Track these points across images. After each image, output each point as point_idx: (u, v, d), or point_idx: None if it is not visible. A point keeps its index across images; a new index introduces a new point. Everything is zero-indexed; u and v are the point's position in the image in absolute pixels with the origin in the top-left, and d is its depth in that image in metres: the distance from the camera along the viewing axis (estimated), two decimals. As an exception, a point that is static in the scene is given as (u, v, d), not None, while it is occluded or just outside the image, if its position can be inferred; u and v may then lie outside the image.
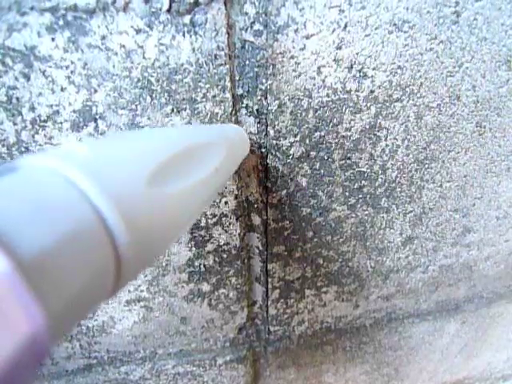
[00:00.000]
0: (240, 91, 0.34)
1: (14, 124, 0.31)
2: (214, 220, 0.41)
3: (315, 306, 0.55)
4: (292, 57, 0.33)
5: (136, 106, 0.33)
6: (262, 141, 0.37)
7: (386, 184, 0.44)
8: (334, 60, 0.34)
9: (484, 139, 0.43)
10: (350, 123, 0.38)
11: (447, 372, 0.79)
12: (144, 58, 0.31)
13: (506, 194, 0.50)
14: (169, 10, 0.29)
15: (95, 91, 0.31)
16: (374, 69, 0.35)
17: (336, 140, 0.39)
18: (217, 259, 0.45)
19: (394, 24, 0.33)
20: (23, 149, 0.33)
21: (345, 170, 0.41)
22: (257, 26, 0.31)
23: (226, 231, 0.43)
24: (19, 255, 0.11)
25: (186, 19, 0.30)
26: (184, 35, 0.30)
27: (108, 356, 0.52)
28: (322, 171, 0.40)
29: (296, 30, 0.32)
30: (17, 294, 0.10)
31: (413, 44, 0.35)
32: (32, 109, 0.31)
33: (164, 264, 0.43)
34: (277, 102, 0.35)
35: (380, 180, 0.43)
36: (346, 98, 0.36)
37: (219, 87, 0.33)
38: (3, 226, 0.11)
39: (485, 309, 0.67)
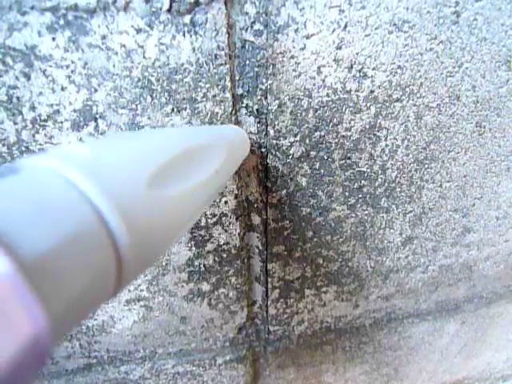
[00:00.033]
0: (240, 91, 0.34)
1: (15, 123, 0.31)
2: (214, 220, 0.41)
3: (315, 305, 0.55)
4: (292, 57, 0.33)
5: (136, 105, 0.33)
6: (262, 140, 0.37)
7: (386, 184, 0.44)
8: (334, 60, 0.34)
9: (484, 139, 0.43)
10: (349, 123, 0.38)
11: (447, 372, 0.79)
12: (144, 57, 0.31)
13: (506, 194, 0.50)
14: (169, 10, 0.29)
15: (95, 91, 0.31)
16: (373, 69, 0.35)
17: (336, 140, 0.39)
18: (217, 259, 0.45)
19: (394, 24, 0.33)
20: (23, 148, 0.33)
21: (345, 170, 0.41)
22: (257, 26, 0.31)
23: (226, 231, 0.43)
24: (21, 256, 0.11)
25: (187, 19, 0.30)
26: (184, 35, 0.30)
27: (108, 355, 0.52)
28: (322, 171, 0.41)
29: (296, 30, 0.32)
30: (19, 295, 0.10)
31: (413, 44, 0.35)
32: (32, 108, 0.31)
33: (164, 263, 0.43)
34: (277, 101, 0.35)
35: (380, 180, 0.43)
36: (345, 97, 0.36)
37: (219, 87, 0.33)
38: (5, 228, 0.11)
39: (484, 309, 0.67)
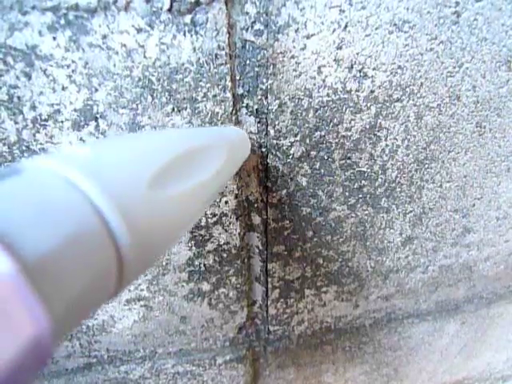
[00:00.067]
0: (240, 91, 0.34)
1: (15, 123, 0.31)
2: (214, 219, 0.41)
3: (315, 305, 0.55)
4: (292, 56, 0.33)
5: (137, 105, 0.33)
6: (263, 140, 0.37)
7: (386, 184, 0.44)
8: (335, 60, 0.34)
9: (484, 139, 0.43)
10: (350, 123, 0.38)
11: (447, 372, 0.79)
12: (145, 57, 0.31)
13: (506, 195, 0.50)
14: (170, 10, 0.29)
15: (96, 90, 0.31)
16: (374, 69, 0.35)
17: (336, 140, 0.39)
18: (217, 259, 0.45)
19: (395, 24, 0.33)
20: (24, 148, 0.33)
21: (345, 170, 0.41)
22: (257, 26, 0.31)
23: (226, 231, 0.43)
24: (23, 257, 0.11)
25: (187, 19, 0.30)
26: (185, 35, 0.30)
27: (108, 355, 0.52)
28: (322, 171, 0.41)
29: (296, 30, 0.32)
30: (21, 296, 0.10)
31: (413, 44, 0.35)
32: (33, 108, 0.31)
33: (164, 263, 0.43)
34: (277, 101, 0.35)
35: (380, 180, 0.43)
36: (346, 97, 0.36)
37: (220, 87, 0.33)
38: (7, 229, 0.11)
39: (484, 309, 0.67)
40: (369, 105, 0.37)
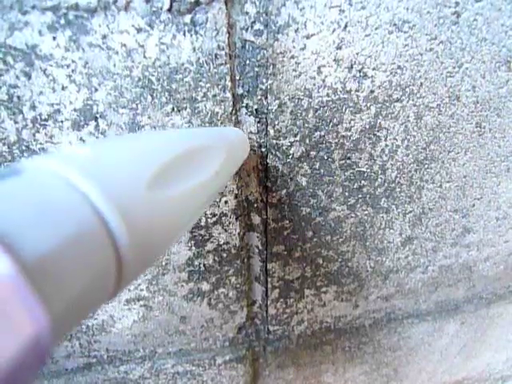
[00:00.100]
0: (240, 91, 0.34)
1: (15, 122, 0.31)
2: (214, 219, 0.41)
3: (315, 305, 0.55)
4: (292, 56, 0.33)
5: (137, 105, 0.33)
6: (262, 140, 0.37)
7: (386, 184, 0.44)
8: (334, 60, 0.34)
9: (484, 140, 0.43)
10: (349, 123, 0.38)
11: (446, 373, 0.79)
12: (145, 57, 0.31)
13: (506, 195, 0.50)
14: (170, 10, 0.29)
15: (96, 90, 0.31)
16: (374, 69, 0.35)
17: (336, 140, 0.39)
18: (216, 258, 0.45)
19: (394, 24, 0.33)
20: (24, 147, 0.33)
21: (344, 170, 0.41)
22: (257, 26, 0.31)
23: (226, 230, 0.43)
24: (23, 257, 0.11)
25: (187, 18, 0.30)
26: (185, 34, 0.30)
27: (107, 355, 0.52)
28: (322, 171, 0.41)
29: (296, 30, 0.32)
30: (21, 296, 0.10)
31: (413, 44, 0.35)
32: (33, 107, 0.31)
33: (164, 263, 0.43)
34: (277, 101, 0.35)
35: (380, 180, 0.43)
36: (346, 97, 0.36)
37: (220, 87, 0.33)
38: (7, 229, 0.11)
39: (484, 309, 0.67)
40: (368, 105, 0.37)
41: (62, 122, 0.32)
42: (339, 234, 0.47)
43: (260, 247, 0.46)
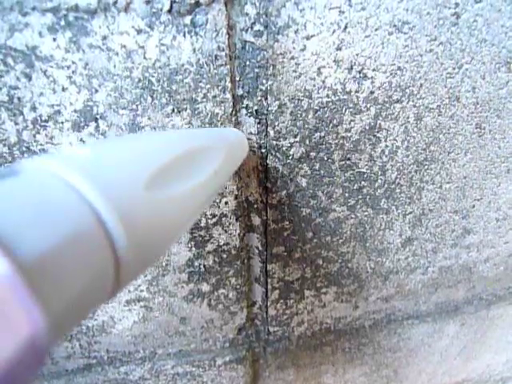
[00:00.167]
0: (240, 92, 0.34)
1: (16, 124, 0.31)
2: (214, 220, 0.41)
3: (315, 306, 0.55)
4: (292, 57, 0.33)
5: (137, 106, 0.33)
6: (262, 141, 0.37)
7: (386, 185, 0.44)
8: (334, 61, 0.34)
9: (484, 141, 0.43)
10: (349, 124, 0.38)
11: (446, 374, 0.79)
12: (145, 58, 0.31)
13: (506, 196, 0.50)
14: (170, 11, 0.29)
15: (96, 91, 0.31)
16: (373, 70, 0.35)
17: (336, 141, 0.39)
18: (216, 259, 0.45)
19: (394, 25, 0.33)
20: (24, 148, 0.33)
21: (344, 171, 0.41)
22: (257, 27, 0.31)
23: (226, 231, 0.43)
24: (20, 258, 0.11)
25: (187, 20, 0.30)
26: (185, 36, 0.30)
27: (108, 356, 0.52)
28: (322, 172, 0.41)
29: (296, 31, 0.32)
30: (18, 297, 0.10)
31: (413, 45, 0.35)
32: (33, 109, 0.31)
33: (164, 264, 0.43)
34: (277, 102, 0.35)
35: (380, 181, 0.43)
36: (345, 98, 0.36)
37: (220, 88, 0.33)
38: (4, 229, 0.11)
39: (484, 311, 0.67)
40: (368, 106, 0.37)
41: (62, 123, 0.32)
42: (339, 235, 0.47)
43: (260, 248, 0.46)
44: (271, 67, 0.33)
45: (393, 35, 0.34)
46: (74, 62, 0.30)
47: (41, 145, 0.33)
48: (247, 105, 0.35)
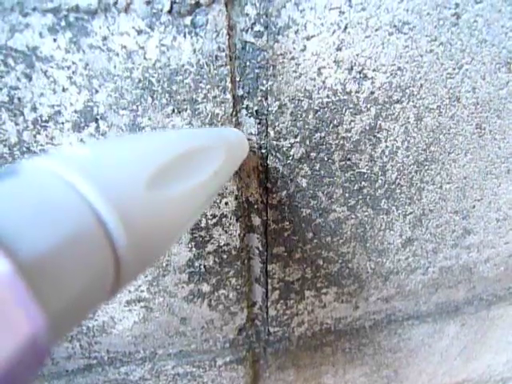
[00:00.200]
0: (240, 92, 0.34)
1: (16, 124, 0.32)
2: (214, 221, 0.41)
3: (315, 307, 0.55)
4: (292, 58, 0.33)
5: (137, 106, 0.33)
6: (263, 142, 0.37)
7: (386, 185, 0.44)
8: (335, 61, 0.34)
9: (484, 141, 0.43)
10: (350, 124, 0.38)
11: (446, 374, 0.79)
12: (145, 58, 0.31)
13: (506, 196, 0.50)
14: (170, 11, 0.29)
15: (96, 92, 0.31)
16: (374, 70, 0.35)
17: (336, 141, 0.39)
18: (217, 260, 0.45)
19: (394, 26, 0.33)
20: (25, 149, 0.33)
21: (345, 171, 0.41)
22: (257, 27, 0.31)
23: (226, 232, 0.43)
24: (20, 257, 0.11)
25: (187, 20, 0.30)
26: (185, 36, 0.30)
27: (108, 356, 0.52)
28: (322, 172, 0.41)
29: (296, 32, 0.32)
30: (18, 296, 0.10)
31: (413, 46, 0.35)
32: (34, 109, 0.31)
33: (164, 264, 0.43)
34: (277, 102, 0.35)
35: (380, 181, 0.43)
36: (346, 99, 0.36)
37: (220, 88, 0.33)
38: (4, 229, 0.11)
39: (484, 311, 0.67)
40: (369, 106, 0.37)
41: (62, 123, 0.32)
42: (339, 236, 0.47)
43: (260, 248, 0.46)
44: (271, 68, 0.33)
45: (393, 36, 0.34)
46: (74, 63, 0.30)
47: (41, 145, 0.33)
48: (247, 105, 0.35)
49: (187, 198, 0.20)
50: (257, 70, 0.33)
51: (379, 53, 0.34)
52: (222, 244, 0.44)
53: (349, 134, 0.39)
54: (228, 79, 0.33)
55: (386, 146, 0.40)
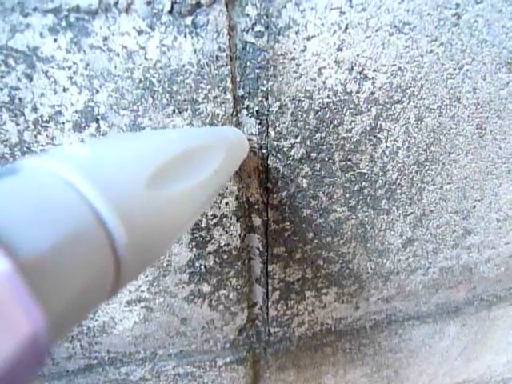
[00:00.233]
0: (241, 92, 0.34)
1: (17, 124, 0.32)
2: (215, 221, 0.41)
3: (315, 307, 0.55)
4: (293, 58, 0.33)
5: (138, 106, 0.33)
6: (263, 142, 0.37)
7: (387, 186, 0.44)
8: (335, 61, 0.34)
9: (484, 141, 0.43)
10: (350, 125, 0.38)
11: (447, 375, 0.79)
12: (146, 58, 0.31)
13: (507, 197, 0.50)
14: (170, 12, 0.29)
15: (97, 92, 0.31)
16: (374, 70, 0.35)
17: (336, 141, 0.39)
18: (217, 260, 0.45)
19: (395, 26, 0.33)
20: (25, 149, 0.33)
21: (345, 172, 0.41)
22: (258, 28, 0.31)
23: (227, 232, 0.43)
24: (20, 257, 0.11)
25: (188, 20, 0.30)
26: (186, 36, 0.30)
27: (108, 356, 0.52)
28: (323, 172, 0.41)
29: (297, 32, 0.32)
30: (18, 295, 0.10)
31: (413, 46, 0.35)
32: (34, 109, 0.31)
33: (165, 264, 0.43)
34: (278, 103, 0.35)
35: (380, 181, 0.43)
36: (346, 99, 0.36)
37: (220, 88, 0.33)
38: (4, 228, 0.11)
39: (485, 311, 0.67)
40: (369, 106, 0.37)
41: (63, 123, 0.32)
42: (340, 236, 0.47)
43: (261, 249, 0.46)
44: (272, 68, 0.33)
45: (393, 36, 0.34)
46: (74, 63, 0.30)
47: (42, 145, 0.33)
48: (248, 105, 0.35)
49: (187, 197, 0.20)
50: (257, 71, 0.33)
51: (380, 53, 0.34)
52: (222, 244, 0.44)
53: (349, 135, 0.39)
54: (228, 79, 0.33)
55: (387, 147, 0.40)
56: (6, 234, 0.11)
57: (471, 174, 0.46)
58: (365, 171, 0.42)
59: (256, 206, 0.42)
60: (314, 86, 0.35)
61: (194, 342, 0.54)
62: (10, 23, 0.27)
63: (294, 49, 0.33)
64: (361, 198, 0.44)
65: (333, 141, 0.39)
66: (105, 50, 0.30)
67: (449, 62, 0.36)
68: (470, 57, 0.36)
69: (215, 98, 0.34)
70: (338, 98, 0.36)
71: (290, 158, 0.39)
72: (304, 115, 0.36)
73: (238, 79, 0.34)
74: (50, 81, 0.30)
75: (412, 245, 0.51)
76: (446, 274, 0.57)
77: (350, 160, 0.40)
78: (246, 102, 0.35)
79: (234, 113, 0.35)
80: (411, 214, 0.47)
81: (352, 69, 0.35)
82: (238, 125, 0.36)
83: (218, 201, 0.40)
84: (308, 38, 0.32)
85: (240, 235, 0.43)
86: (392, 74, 0.36)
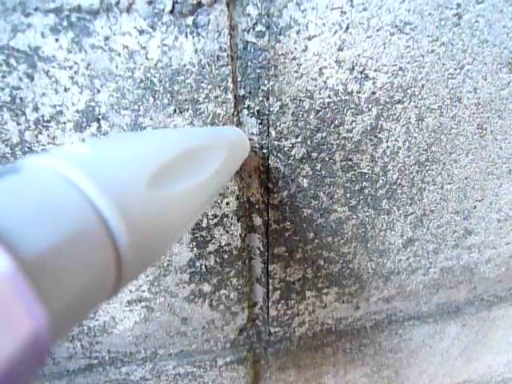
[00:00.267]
0: (242, 92, 0.34)
1: (18, 124, 0.32)
2: (216, 220, 0.41)
3: (316, 307, 0.55)
4: (294, 58, 0.33)
5: (139, 106, 0.33)
6: (264, 142, 0.37)
7: (387, 186, 0.44)
8: (336, 61, 0.34)
9: (485, 141, 0.43)
10: (351, 124, 0.38)
11: (447, 375, 0.79)
12: (147, 58, 0.31)
13: (507, 197, 0.50)
14: (172, 11, 0.29)
15: (98, 92, 0.31)
16: (375, 70, 0.35)
17: (337, 141, 0.39)
18: (218, 260, 0.45)
19: (396, 26, 0.33)
20: (26, 149, 0.33)
21: (346, 172, 0.41)
22: (259, 28, 0.31)
23: (228, 232, 0.43)
24: (21, 255, 0.11)
25: (189, 20, 0.30)
26: (187, 36, 0.30)
27: (109, 356, 0.52)
28: (324, 172, 0.41)
29: (298, 32, 0.32)
30: (19, 293, 0.10)
31: (414, 46, 0.35)
32: (35, 109, 0.31)
33: (165, 264, 0.43)
34: (278, 103, 0.35)
35: (381, 181, 0.43)
36: (347, 99, 0.36)
37: (221, 88, 0.33)
38: (6, 226, 0.11)
39: (485, 312, 0.67)
40: (370, 106, 0.37)
41: (64, 123, 0.32)
42: (340, 236, 0.47)
43: (261, 248, 0.46)
44: (273, 68, 0.33)
45: (394, 36, 0.34)
46: (76, 63, 0.30)
47: (43, 145, 0.33)
48: (249, 105, 0.35)
49: (188, 196, 0.20)
50: (258, 70, 0.33)
51: (380, 53, 0.34)
52: (223, 244, 0.44)
53: (350, 134, 0.39)
54: (229, 79, 0.33)
55: (388, 147, 0.40)
56: (8, 233, 0.11)
57: (472, 174, 0.46)
58: (365, 171, 0.42)
59: (257, 206, 0.42)
60: (315, 86, 0.35)
61: (195, 341, 0.54)
62: (12, 23, 0.27)
63: (295, 48, 0.33)
64: (361, 197, 0.44)
65: (333, 141, 0.39)
66: (106, 50, 0.30)
67: (450, 61, 0.36)
68: (470, 57, 0.36)
69: (216, 97, 0.34)
70: (338, 98, 0.36)
71: (291, 158, 0.39)
72: (305, 115, 0.36)
73: (238, 79, 0.34)
74: (52, 80, 0.30)
75: (412, 245, 0.51)
76: (447, 274, 0.57)
77: (350, 160, 0.40)
78: (247, 102, 0.35)
79: (235, 112, 0.35)
80: (412, 213, 0.47)
81: (353, 69, 0.35)
82: (239, 124, 0.36)
83: (219, 200, 0.40)
84: (309, 38, 0.32)
85: (241, 235, 0.43)
86: (393, 74, 0.36)
